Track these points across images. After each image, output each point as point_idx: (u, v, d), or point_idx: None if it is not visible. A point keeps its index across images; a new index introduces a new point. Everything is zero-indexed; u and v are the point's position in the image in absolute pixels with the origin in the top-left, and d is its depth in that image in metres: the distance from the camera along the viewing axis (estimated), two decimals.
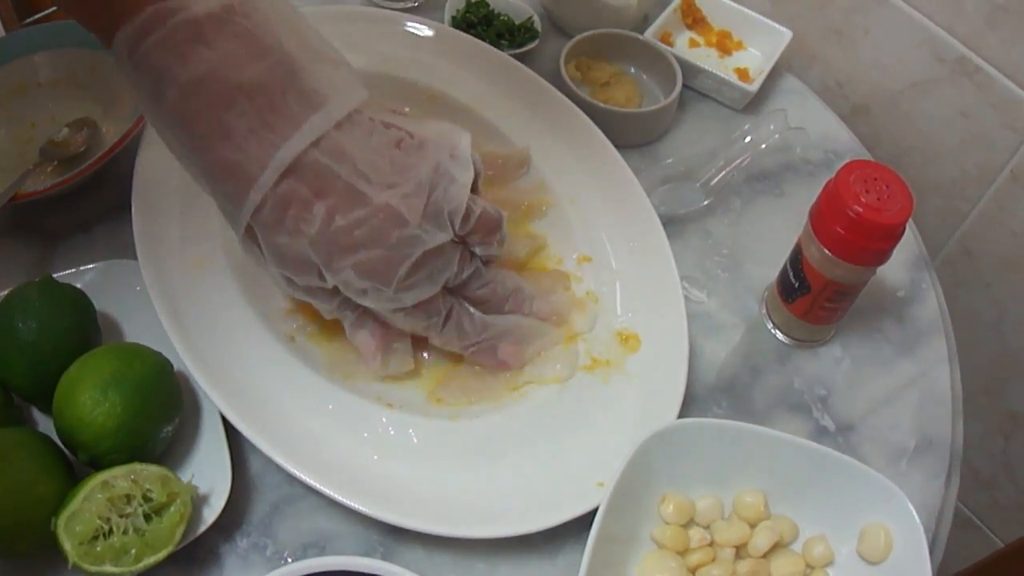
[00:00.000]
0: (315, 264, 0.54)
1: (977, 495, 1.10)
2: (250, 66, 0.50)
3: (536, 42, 0.91)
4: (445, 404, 0.66)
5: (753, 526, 0.62)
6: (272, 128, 0.50)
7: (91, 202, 0.75)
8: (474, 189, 0.58)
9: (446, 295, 0.61)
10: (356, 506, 0.57)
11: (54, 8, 0.91)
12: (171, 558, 0.55)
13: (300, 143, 0.51)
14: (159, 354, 0.60)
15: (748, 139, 0.82)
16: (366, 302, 0.57)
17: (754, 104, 0.91)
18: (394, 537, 0.61)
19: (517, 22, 0.92)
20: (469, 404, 0.66)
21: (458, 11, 0.92)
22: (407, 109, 0.79)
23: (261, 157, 0.50)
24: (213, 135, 0.50)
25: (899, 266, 0.80)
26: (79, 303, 0.63)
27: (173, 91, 0.49)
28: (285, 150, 0.50)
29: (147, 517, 0.55)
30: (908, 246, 0.82)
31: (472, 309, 0.63)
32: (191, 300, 0.63)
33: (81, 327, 0.62)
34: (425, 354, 0.67)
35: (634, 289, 0.72)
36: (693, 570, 0.60)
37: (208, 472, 0.59)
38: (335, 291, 0.57)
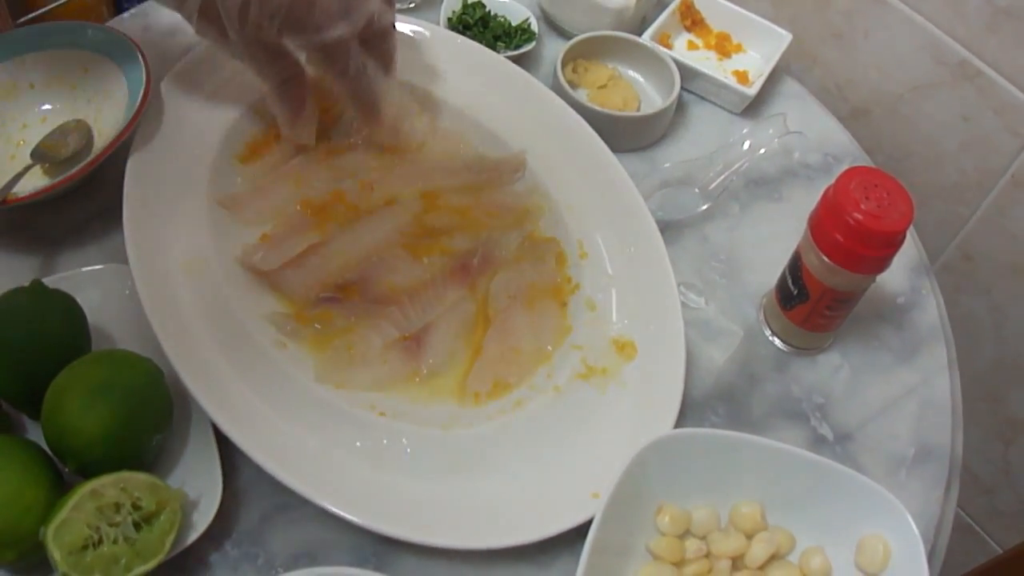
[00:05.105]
0: (257, 16, 0.60)
1: (976, 501, 1.10)
2: None
3: (533, 44, 0.90)
4: (483, 397, 0.65)
5: (750, 537, 0.61)
6: None
7: (82, 205, 0.74)
8: None
9: (361, 50, 0.66)
10: (348, 516, 0.56)
11: (48, 8, 0.90)
12: (161, 568, 0.54)
13: None
14: (150, 361, 0.60)
15: (747, 144, 0.82)
16: (296, 39, 0.63)
17: (753, 107, 0.90)
18: (387, 547, 0.60)
19: (514, 24, 0.91)
20: (507, 389, 0.66)
21: (454, 12, 0.91)
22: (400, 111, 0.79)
23: None
24: None
25: (899, 272, 0.80)
26: (69, 308, 0.62)
27: None
28: None
29: (137, 526, 0.55)
30: (908, 252, 0.81)
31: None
32: (182, 305, 0.63)
33: (71, 333, 0.62)
34: (424, 369, 0.66)
35: (630, 295, 0.71)
36: None
37: (198, 481, 0.59)
38: (275, 57, 0.65)
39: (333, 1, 0.62)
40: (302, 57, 0.67)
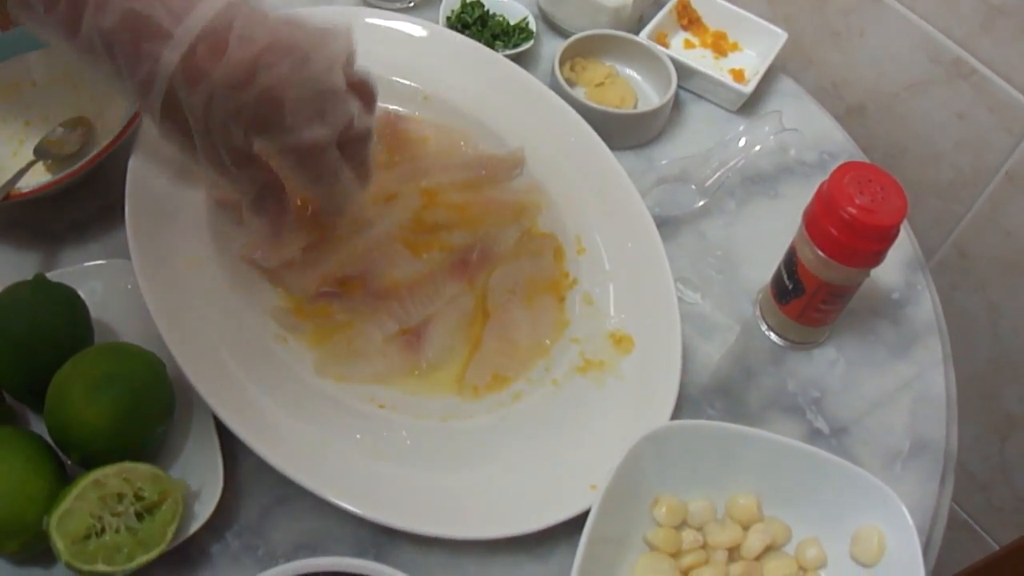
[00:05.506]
0: (223, 114, 0.54)
1: (972, 497, 1.10)
2: None
3: (531, 43, 0.91)
4: (481, 390, 0.66)
5: (746, 528, 0.62)
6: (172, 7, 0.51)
7: (85, 201, 0.75)
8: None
9: (339, 156, 0.60)
10: (348, 507, 0.57)
11: None
12: (162, 558, 0.55)
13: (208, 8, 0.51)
14: (152, 354, 0.60)
15: (743, 141, 0.82)
16: (266, 141, 0.56)
17: (749, 105, 0.91)
18: (386, 538, 0.60)
19: (512, 23, 0.92)
20: (506, 382, 0.67)
21: (453, 12, 0.92)
22: (400, 110, 0.80)
23: (171, 26, 0.51)
24: (124, 27, 0.51)
25: (894, 268, 0.80)
26: (72, 302, 0.63)
27: None
28: (194, 18, 0.51)
29: (139, 516, 0.55)
30: (903, 247, 0.82)
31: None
32: (184, 300, 0.63)
33: (73, 326, 0.62)
34: (424, 363, 0.67)
35: (628, 290, 0.72)
36: (685, 572, 0.60)
37: (200, 472, 0.59)
38: (245, 163, 0.57)
39: (304, 101, 0.55)
40: (276, 162, 0.60)
